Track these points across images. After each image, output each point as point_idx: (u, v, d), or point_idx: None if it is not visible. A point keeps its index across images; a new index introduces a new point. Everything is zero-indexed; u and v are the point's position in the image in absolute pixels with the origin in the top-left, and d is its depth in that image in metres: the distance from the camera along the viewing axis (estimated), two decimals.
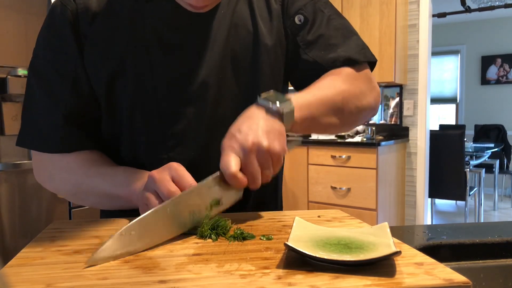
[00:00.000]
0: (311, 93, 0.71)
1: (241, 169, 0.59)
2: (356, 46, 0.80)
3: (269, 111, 0.64)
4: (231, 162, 0.58)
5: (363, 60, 0.79)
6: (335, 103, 0.73)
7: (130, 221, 0.52)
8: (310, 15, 0.80)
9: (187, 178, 0.61)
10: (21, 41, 2.12)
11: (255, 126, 0.61)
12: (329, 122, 0.73)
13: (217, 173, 0.60)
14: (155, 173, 0.62)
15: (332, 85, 0.74)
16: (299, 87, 0.84)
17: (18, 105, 2.09)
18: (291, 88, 0.88)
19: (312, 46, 0.79)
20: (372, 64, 0.83)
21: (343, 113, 0.75)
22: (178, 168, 0.62)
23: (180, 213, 0.56)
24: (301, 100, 0.68)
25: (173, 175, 0.61)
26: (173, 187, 0.59)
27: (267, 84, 0.78)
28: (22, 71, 2.06)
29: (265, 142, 0.59)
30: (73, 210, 2.32)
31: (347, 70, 0.77)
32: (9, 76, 2.03)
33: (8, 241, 2.06)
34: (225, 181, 0.60)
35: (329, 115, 0.73)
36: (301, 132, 0.71)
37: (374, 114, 0.86)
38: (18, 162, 2.07)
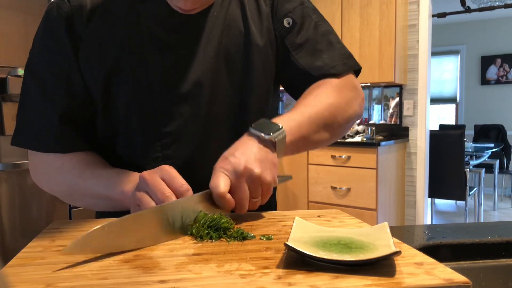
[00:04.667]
0: (300, 112, 0.72)
1: (230, 192, 0.60)
2: (340, 56, 0.82)
3: (261, 140, 0.65)
4: (221, 182, 0.59)
5: (346, 71, 0.82)
6: (323, 119, 0.74)
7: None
8: (298, 18, 0.82)
9: (178, 179, 0.61)
10: (21, 41, 2.12)
11: (249, 153, 0.62)
12: (320, 138, 0.75)
13: (207, 191, 0.60)
14: (146, 174, 0.62)
15: (319, 101, 0.75)
16: (288, 88, 0.87)
17: None
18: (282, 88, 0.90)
19: (300, 49, 0.81)
20: (356, 70, 0.85)
21: (332, 127, 0.77)
22: (170, 170, 0.62)
23: (165, 220, 0.55)
24: (291, 123, 0.69)
25: (164, 176, 0.61)
26: (166, 189, 0.59)
27: (259, 84, 0.80)
28: (22, 71, 2.06)
29: (257, 169, 0.60)
30: (73, 210, 2.32)
31: (332, 82, 0.79)
32: (9, 76, 2.04)
33: (8, 241, 2.05)
34: (212, 202, 0.60)
35: (319, 132, 0.74)
36: (293, 154, 0.72)
37: (359, 119, 0.89)
38: (18, 162, 2.07)
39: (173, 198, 0.59)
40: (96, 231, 0.48)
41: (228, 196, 0.59)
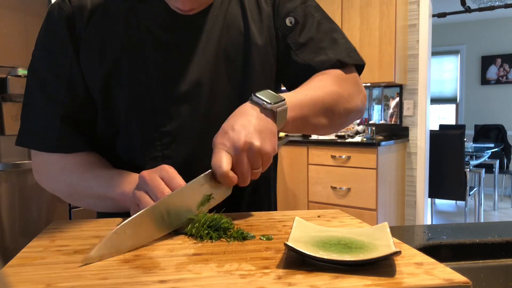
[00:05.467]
0: (303, 93, 0.72)
1: (232, 167, 0.60)
2: (344, 50, 0.82)
3: (263, 109, 0.64)
4: (223, 160, 0.59)
5: (351, 62, 0.81)
6: (325, 104, 0.74)
7: (124, 220, 0.52)
8: (301, 17, 0.81)
9: (178, 179, 0.61)
10: (21, 41, 2.12)
11: (248, 124, 0.61)
12: (319, 122, 0.75)
13: (209, 171, 0.60)
14: (145, 173, 0.62)
15: (323, 86, 0.75)
16: (291, 88, 0.86)
17: (18, 105, 2.09)
18: (283, 88, 0.90)
19: (303, 48, 0.80)
20: (360, 67, 0.85)
21: (333, 114, 0.76)
22: (169, 170, 0.62)
23: (172, 211, 0.56)
24: (294, 100, 0.68)
25: (164, 176, 0.61)
26: (166, 188, 0.59)
27: (259, 83, 0.79)
28: (22, 71, 2.06)
29: (257, 142, 0.60)
30: (73, 210, 2.32)
31: (336, 72, 0.79)
32: (9, 76, 2.04)
33: (8, 241, 2.06)
34: (215, 178, 0.60)
35: (319, 116, 0.74)
36: (291, 132, 0.72)
37: (360, 117, 0.88)
38: (18, 162, 2.07)
39: None
40: (111, 237, 0.49)
41: (231, 173, 0.59)
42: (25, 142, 0.77)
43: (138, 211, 0.54)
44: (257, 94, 0.65)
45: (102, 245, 0.48)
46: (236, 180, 0.60)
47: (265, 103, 0.64)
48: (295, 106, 0.68)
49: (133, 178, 0.70)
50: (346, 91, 0.78)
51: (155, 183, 0.60)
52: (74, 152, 0.77)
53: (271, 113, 0.64)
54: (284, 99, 0.66)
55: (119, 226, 0.51)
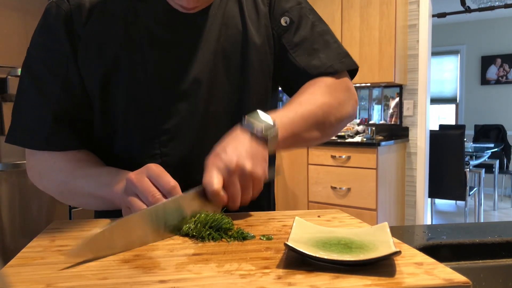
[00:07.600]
0: (294, 110, 0.73)
1: (223, 188, 0.60)
2: (337, 55, 0.83)
3: (254, 135, 0.65)
4: (214, 179, 0.59)
5: (343, 69, 0.83)
6: (316, 118, 0.75)
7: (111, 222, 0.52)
8: (295, 18, 0.83)
9: (165, 177, 0.61)
10: (21, 41, 2.12)
11: (240, 148, 0.62)
12: (311, 136, 0.76)
13: (200, 187, 0.60)
14: (132, 176, 0.62)
15: (313, 99, 0.76)
16: (285, 87, 0.88)
17: None
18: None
19: (297, 48, 0.82)
20: (353, 70, 0.86)
21: (324, 126, 0.78)
22: (156, 169, 0.62)
23: (160, 220, 0.55)
24: (285, 120, 0.70)
25: (151, 175, 0.61)
26: (156, 191, 0.59)
27: (257, 82, 0.80)
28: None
29: (248, 166, 0.61)
30: (73, 210, 2.32)
31: (327, 81, 0.80)
32: (9, 76, 2.03)
33: (8, 241, 2.05)
34: (206, 196, 0.60)
35: (311, 130, 0.75)
36: (284, 150, 0.73)
37: (352, 120, 0.89)
38: (18, 162, 2.07)
39: (164, 199, 0.59)
40: (98, 235, 0.48)
41: (222, 192, 0.60)
42: (14, 140, 0.76)
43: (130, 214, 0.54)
44: (248, 120, 0.67)
45: (84, 246, 0.47)
46: (226, 200, 0.60)
47: (256, 129, 0.65)
48: (286, 125, 0.69)
49: (122, 176, 0.69)
50: (337, 100, 0.79)
51: (145, 185, 0.60)
52: (64, 150, 0.76)
53: (262, 139, 0.65)
54: (274, 124, 0.67)
55: (105, 227, 0.49)
